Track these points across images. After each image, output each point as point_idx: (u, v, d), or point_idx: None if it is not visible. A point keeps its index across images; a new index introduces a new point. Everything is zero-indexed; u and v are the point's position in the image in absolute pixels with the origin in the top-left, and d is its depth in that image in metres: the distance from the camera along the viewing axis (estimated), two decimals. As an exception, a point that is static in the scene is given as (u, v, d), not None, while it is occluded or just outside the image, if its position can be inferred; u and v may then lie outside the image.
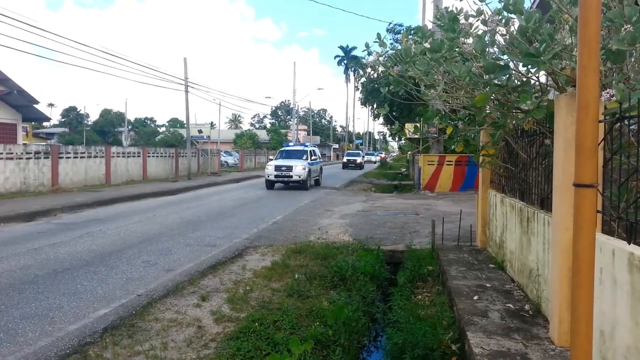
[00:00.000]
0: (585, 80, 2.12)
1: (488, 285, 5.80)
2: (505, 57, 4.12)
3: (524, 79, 4.28)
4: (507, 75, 4.26)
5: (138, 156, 24.14)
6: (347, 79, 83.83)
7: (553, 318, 4.03)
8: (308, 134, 68.41)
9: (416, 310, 5.66)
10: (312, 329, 4.83)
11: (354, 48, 78.36)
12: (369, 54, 5.77)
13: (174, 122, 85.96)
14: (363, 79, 25.33)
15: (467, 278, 6.11)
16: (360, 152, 57.15)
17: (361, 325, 5.55)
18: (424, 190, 19.74)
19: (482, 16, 4.19)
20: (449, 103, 5.47)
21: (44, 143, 34.20)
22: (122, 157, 22.87)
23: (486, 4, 4.22)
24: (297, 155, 22.31)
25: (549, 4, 4.06)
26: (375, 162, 62.65)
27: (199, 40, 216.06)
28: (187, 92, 27.46)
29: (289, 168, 20.73)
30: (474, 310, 4.89)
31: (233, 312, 5.24)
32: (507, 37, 4.04)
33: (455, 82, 4.87)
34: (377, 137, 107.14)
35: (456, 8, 4.40)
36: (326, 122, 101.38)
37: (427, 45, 4.72)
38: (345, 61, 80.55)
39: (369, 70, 20.73)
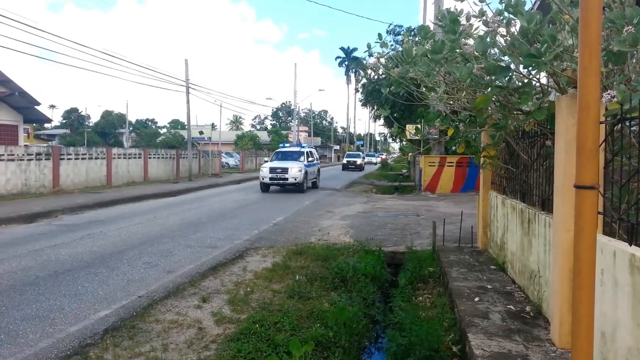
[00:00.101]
0: (586, 82, 2.12)
1: (489, 286, 5.79)
2: (507, 58, 4.12)
3: (525, 80, 4.28)
4: (508, 77, 4.26)
5: (139, 157, 24.15)
6: (348, 80, 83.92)
7: (554, 319, 4.02)
8: (309, 135, 68.47)
9: (417, 311, 5.65)
10: (312, 330, 4.83)
11: (355, 49, 78.45)
12: (370, 55, 5.77)
13: (175, 124, 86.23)
14: (364, 80, 25.28)
15: (468, 279, 6.10)
16: (360, 153, 57.16)
17: (362, 327, 5.54)
18: (425, 191, 19.72)
19: (484, 17, 4.20)
20: (450, 104, 5.46)
21: (45, 144, 34.18)
22: (123, 158, 22.88)
23: (487, 5, 4.23)
24: (293, 156, 21.24)
25: (549, 5, 4.06)
26: (376, 164, 62.41)
27: (200, 42, 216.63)
28: (188, 93, 27.52)
29: (285, 170, 19.70)
30: (475, 311, 4.88)
31: (234, 314, 5.24)
32: (508, 38, 4.04)
33: (457, 84, 4.87)
34: (378, 138, 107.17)
35: (457, 9, 4.41)
36: (327, 124, 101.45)
37: (428, 46, 4.72)
38: (346, 62, 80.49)
39: (369, 71, 20.75)
